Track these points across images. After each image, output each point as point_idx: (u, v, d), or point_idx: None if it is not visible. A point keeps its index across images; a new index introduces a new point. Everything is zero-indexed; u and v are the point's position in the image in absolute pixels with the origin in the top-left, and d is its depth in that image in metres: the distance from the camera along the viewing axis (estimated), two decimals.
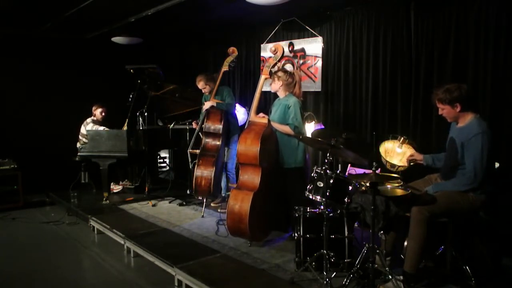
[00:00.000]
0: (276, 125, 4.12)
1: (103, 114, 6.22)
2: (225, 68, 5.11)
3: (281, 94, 4.22)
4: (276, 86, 4.19)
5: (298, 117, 4.03)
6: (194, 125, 5.39)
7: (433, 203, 2.96)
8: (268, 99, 5.84)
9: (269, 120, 4.11)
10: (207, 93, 5.28)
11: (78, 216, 5.38)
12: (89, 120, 6.17)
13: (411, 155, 3.51)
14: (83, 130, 6.12)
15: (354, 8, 4.87)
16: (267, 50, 5.90)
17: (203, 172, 4.88)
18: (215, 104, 4.99)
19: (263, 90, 4.49)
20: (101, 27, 6.26)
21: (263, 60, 5.99)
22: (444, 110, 3.10)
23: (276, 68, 4.42)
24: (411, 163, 3.51)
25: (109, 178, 5.76)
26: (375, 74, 4.71)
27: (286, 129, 4.05)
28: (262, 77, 4.34)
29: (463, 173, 3.03)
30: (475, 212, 3.12)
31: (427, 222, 2.92)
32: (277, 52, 4.37)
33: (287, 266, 3.48)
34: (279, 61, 4.42)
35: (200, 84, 5.25)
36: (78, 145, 6.12)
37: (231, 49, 5.12)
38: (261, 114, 4.23)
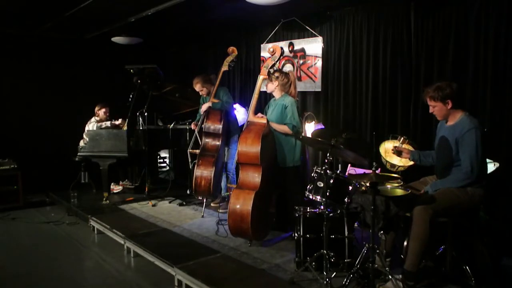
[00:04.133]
0: (275, 125, 4.14)
1: (107, 114, 6.23)
2: (225, 68, 5.10)
3: (276, 94, 4.24)
4: (272, 86, 4.22)
5: (296, 117, 4.06)
6: (193, 127, 5.40)
7: (433, 202, 2.97)
8: (267, 99, 5.83)
9: (267, 120, 4.13)
10: (204, 95, 5.28)
11: (78, 216, 5.38)
12: (92, 119, 6.18)
13: (396, 147, 3.51)
14: (87, 129, 6.12)
15: (354, 8, 4.87)
16: (267, 50, 5.90)
17: (203, 172, 4.88)
18: (211, 105, 5.00)
19: (261, 90, 4.47)
20: (101, 27, 6.26)
21: (263, 60, 5.98)
22: (436, 107, 3.13)
23: (275, 68, 4.42)
24: (394, 153, 3.50)
25: (109, 178, 5.76)
26: (375, 74, 4.71)
27: (285, 129, 4.07)
28: (260, 77, 4.34)
29: (460, 169, 3.04)
30: (475, 209, 3.13)
31: (430, 221, 2.92)
32: (275, 53, 4.36)
33: (287, 266, 3.48)
34: (277, 61, 4.41)
35: (197, 87, 5.25)
36: (81, 143, 6.10)
37: (231, 48, 5.12)
38: (260, 114, 4.25)
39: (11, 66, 6.58)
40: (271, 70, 4.32)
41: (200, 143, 5.11)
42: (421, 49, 4.30)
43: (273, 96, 4.31)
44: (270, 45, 5.49)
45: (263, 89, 5.02)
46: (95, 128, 5.96)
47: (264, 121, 4.11)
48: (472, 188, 3.01)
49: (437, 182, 3.19)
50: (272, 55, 4.39)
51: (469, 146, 2.96)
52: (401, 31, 4.45)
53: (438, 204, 2.96)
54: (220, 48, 6.18)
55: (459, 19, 4.00)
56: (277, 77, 4.17)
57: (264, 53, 5.95)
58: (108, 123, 6.06)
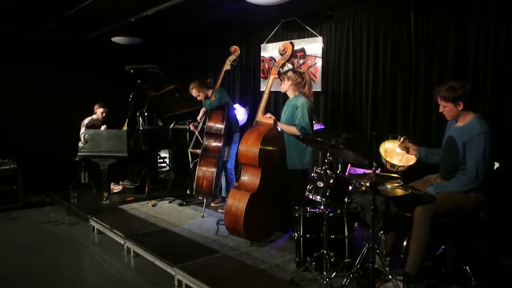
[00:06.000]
0: (283, 126, 4.07)
1: (103, 114, 6.26)
2: (227, 67, 5.07)
3: (290, 94, 4.15)
4: (285, 86, 4.12)
5: (306, 118, 3.92)
6: (192, 128, 5.39)
7: (434, 203, 2.96)
8: (276, 99, 5.83)
9: (275, 121, 4.08)
10: (202, 100, 5.27)
11: (78, 216, 5.38)
12: (86, 120, 6.18)
13: (406, 142, 3.47)
14: (82, 129, 6.13)
15: (354, 8, 4.87)
16: (267, 50, 5.91)
17: (205, 173, 4.88)
18: (205, 107, 5.04)
19: (273, 90, 4.41)
20: (101, 27, 6.26)
21: (263, 60, 5.99)
22: (446, 107, 3.08)
23: (285, 68, 4.36)
24: (403, 150, 3.49)
25: (109, 178, 5.76)
26: (375, 74, 4.71)
27: (293, 130, 3.96)
28: (271, 77, 4.27)
29: (464, 173, 3.01)
30: (476, 212, 3.12)
31: (430, 223, 2.92)
32: (286, 51, 4.29)
33: (287, 266, 3.48)
34: (288, 60, 4.33)
35: (193, 92, 5.25)
36: (80, 144, 6.11)
37: (234, 47, 5.09)
38: (268, 114, 4.19)
39: (11, 66, 6.58)
40: (281, 70, 4.28)
41: (201, 143, 5.11)
42: (421, 49, 4.30)
43: (288, 97, 4.22)
44: (271, 45, 5.52)
45: (275, 89, 4.99)
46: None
47: (271, 121, 4.06)
48: (475, 194, 2.98)
49: (440, 184, 3.18)
50: (283, 54, 4.32)
51: (477, 151, 2.91)
52: (401, 31, 4.45)
53: (440, 207, 2.95)
54: (220, 48, 6.17)
55: (459, 19, 4.00)
56: (290, 77, 4.06)
57: (264, 53, 5.95)
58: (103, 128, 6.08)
